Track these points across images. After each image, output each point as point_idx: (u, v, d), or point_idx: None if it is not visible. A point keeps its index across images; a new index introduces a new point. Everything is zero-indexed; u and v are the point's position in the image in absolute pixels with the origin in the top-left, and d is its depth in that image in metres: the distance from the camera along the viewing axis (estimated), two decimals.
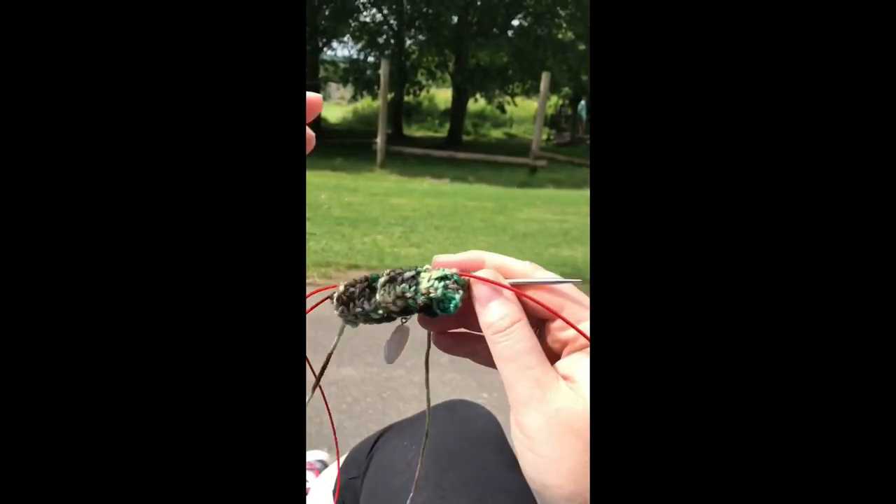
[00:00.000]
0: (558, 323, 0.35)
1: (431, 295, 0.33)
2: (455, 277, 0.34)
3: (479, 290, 0.34)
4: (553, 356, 0.35)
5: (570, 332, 0.34)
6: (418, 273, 0.35)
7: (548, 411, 0.30)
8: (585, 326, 0.34)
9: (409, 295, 0.34)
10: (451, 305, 0.33)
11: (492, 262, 0.36)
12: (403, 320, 0.37)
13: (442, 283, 0.33)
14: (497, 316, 0.33)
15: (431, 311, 0.35)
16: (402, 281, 0.34)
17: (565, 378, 0.32)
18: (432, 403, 0.71)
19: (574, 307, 0.34)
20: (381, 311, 0.35)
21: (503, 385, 0.32)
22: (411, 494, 0.38)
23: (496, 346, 0.33)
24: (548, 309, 0.33)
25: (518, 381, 0.31)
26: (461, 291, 0.34)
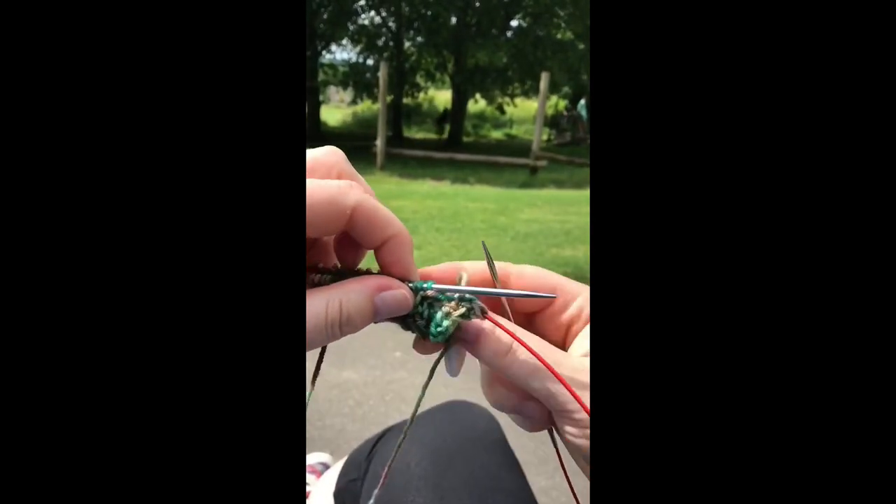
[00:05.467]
0: (550, 311, 0.34)
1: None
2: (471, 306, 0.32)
3: (466, 332, 0.31)
4: (560, 344, 0.34)
5: (571, 312, 0.33)
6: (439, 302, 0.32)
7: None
8: (581, 301, 0.33)
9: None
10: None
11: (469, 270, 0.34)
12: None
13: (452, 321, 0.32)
14: (495, 345, 0.30)
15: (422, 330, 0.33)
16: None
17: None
18: (434, 405, 0.71)
19: (571, 284, 0.34)
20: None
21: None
22: (377, 488, 0.37)
23: (511, 370, 0.30)
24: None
25: (554, 385, 0.29)
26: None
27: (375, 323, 0.31)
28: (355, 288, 0.29)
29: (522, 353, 0.30)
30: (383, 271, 0.32)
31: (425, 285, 0.32)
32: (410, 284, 0.32)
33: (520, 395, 0.32)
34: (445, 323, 0.31)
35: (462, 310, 0.31)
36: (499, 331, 0.31)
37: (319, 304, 0.28)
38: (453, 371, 0.34)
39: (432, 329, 0.31)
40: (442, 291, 0.32)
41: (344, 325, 0.28)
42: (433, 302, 0.32)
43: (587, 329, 0.33)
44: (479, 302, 0.32)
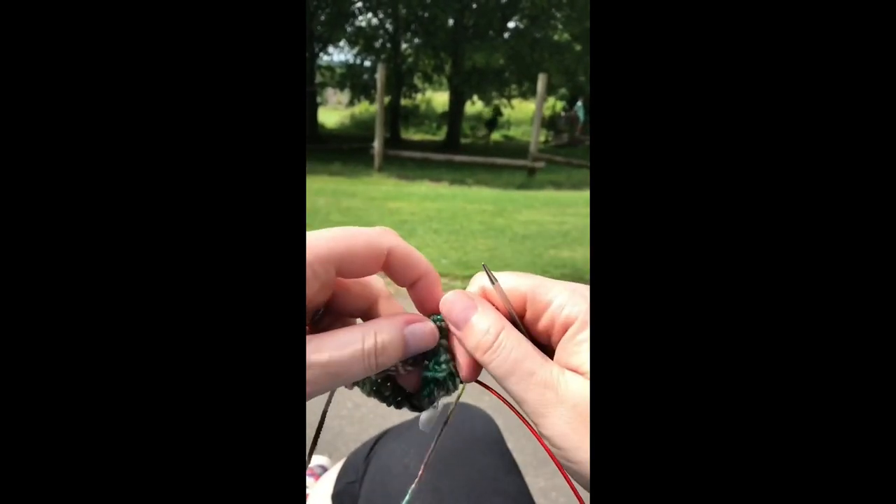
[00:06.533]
0: (530, 314, 0.33)
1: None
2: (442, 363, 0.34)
3: (451, 313, 0.32)
4: (545, 349, 0.32)
5: (546, 319, 0.32)
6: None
7: (566, 413, 0.28)
8: (561, 301, 0.31)
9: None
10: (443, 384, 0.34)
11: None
12: (435, 405, 0.36)
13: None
14: (481, 332, 0.31)
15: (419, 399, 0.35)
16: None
17: (570, 369, 0.30)
18: None
19: (545, 289, 0.32)
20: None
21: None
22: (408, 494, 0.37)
23: (491, 366, 0.31)
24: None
25: (526, 392, 0.29)
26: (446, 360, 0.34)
27: (405, 359, 0.33)
28: (385, 322, 0.31)
29: (504, 352, 0.30)
30: (417, 307, 0.35)
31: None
32: (432, 318, 0.34)
33: None
34: (445, 365, 0.33)
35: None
36: (487, 324, 0.31)
37: (355, 336, 0.30)
38: (426, 425, 0.35)
39: (432, 366, 0.33)
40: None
41: (380, 355, 0.30)
42: (438, 349, 0.34)
43: (570, 342, 0.31)
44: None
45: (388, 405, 0.35)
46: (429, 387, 0.34)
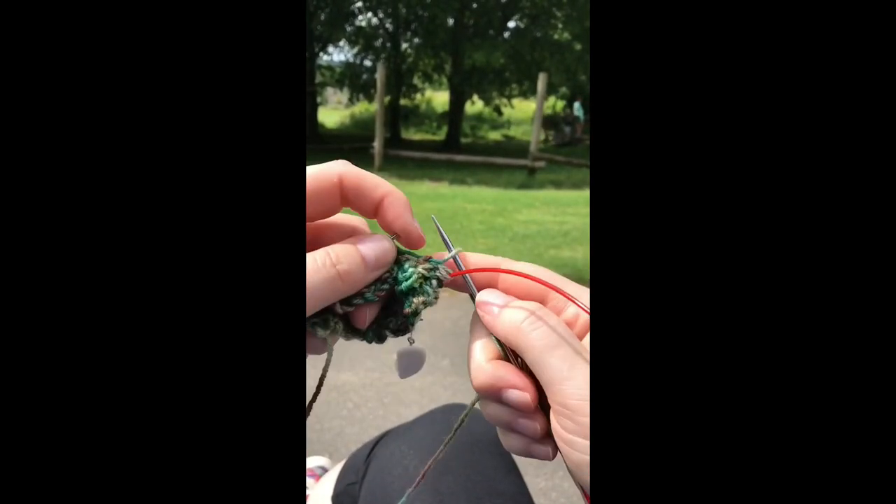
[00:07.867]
0: (551, 307, 0.33)
1: (406, 283, 0.33)
2: (436, 270, 0.33)
3: (487, 297, 0.32)
4: None
5: (568, 316, 0.33)
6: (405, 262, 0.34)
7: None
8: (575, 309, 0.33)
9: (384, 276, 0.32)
10: (423, 298, 0.33)
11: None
12: (410, 340, 0.35)
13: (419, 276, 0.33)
14: (522, 312, 0.31)
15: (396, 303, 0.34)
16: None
17: None
18: (433, 406, 0.71)
19: (570, 286, 0.33)
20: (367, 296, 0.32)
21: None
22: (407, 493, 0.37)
23: (533, 334, 0.30)
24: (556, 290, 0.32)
25: (573, 369, 0.29)
26: (435, 290, 0.33)
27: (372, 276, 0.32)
28: (338, 245, 0.31)
29: (548, 327, 0.30)
30: (387, 232, 0.33)
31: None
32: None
33: (516, 412, 0.33)
34: (411, 269, 0.33)
35: (428, 265, 0.33)
36: (527, 305, 0.31)
37: (307, 258, 0.29)
38: (404, 370, 0.35)
39: (399, 276, 0.33)
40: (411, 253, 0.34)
41: (338, 264, 0.29)
42: (401, 261, 0.34)
43: (586, 340, 0.32)
44: (445, 267, 0.34)
45: (370, 341, 0.34)
46: (408, 299, 0.33)
